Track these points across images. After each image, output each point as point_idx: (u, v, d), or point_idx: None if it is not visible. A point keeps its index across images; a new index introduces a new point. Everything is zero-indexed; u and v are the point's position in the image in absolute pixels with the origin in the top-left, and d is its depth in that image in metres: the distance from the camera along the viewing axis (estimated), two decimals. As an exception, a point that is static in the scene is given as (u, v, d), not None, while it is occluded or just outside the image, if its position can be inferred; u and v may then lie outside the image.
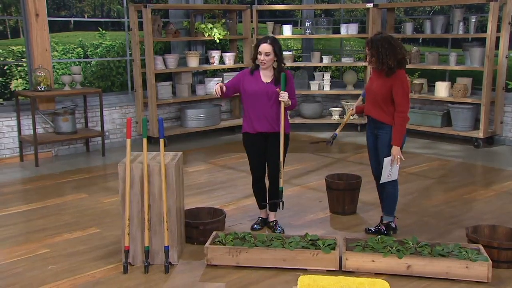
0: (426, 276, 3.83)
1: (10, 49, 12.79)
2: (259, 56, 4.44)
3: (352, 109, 4.84)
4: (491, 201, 5.53)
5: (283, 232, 4.66)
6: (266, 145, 4.60)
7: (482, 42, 7.88)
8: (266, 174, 4.72)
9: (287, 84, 4.44)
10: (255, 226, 4.80)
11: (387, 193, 4.57)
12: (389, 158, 4.38)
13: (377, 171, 4.63)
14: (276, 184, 4.64)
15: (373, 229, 4.69)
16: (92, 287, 3.76)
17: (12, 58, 12.38)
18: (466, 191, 5.87)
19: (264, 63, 4.44)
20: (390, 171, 4.42)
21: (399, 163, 4.39)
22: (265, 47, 4.41)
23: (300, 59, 10.07)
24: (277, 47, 4.46)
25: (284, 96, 4.40)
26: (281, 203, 4.61)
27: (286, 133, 4.59)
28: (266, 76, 4.52)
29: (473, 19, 7.80)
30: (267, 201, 4.77)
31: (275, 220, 4.79)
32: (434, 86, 8.33)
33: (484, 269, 3.75)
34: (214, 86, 4.74)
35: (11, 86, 11.73)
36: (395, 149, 4.36)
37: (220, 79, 8.75)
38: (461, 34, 8.00)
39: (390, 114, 4.38)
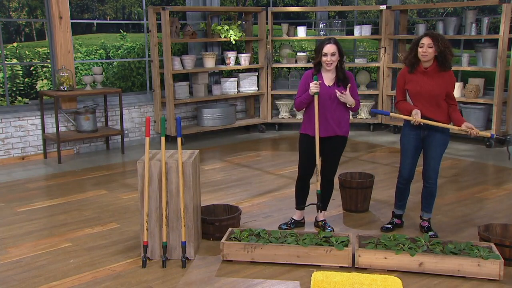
0: (438, 274, 3.85)
1: (36, 50, 12.91)
2: (324, 58, 4.30)
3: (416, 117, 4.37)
4: (503, 200, 5.54)
5: (333, 231, 4.60)
6: (323, 147, 4.50)
7: (494, 43, 7.86)
8: (321, 177, 4.63)
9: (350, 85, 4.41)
10: (282, 226, 4.75)
11: (431, 191, 4.57)
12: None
13: (410, 173, 4.56)
14: (331, 187, 4.70)
15: (389, 226, 4.72)
16: (112, 280, 3.84)
17: (37, 60, 12.51)
18: (478, 190, 5.87)
19: (331, 63, 4.32)
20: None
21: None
22: (330, 48, 4.29)
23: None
24: (340, 47, 4.37)
25: (346, 97, 4.36)
26: (318, 205, 4.62)
27: (345, 136, 4.55)
28: (328, 79, 4.42)
29: (485, 21, 7.80)
30: (312, 203, 4.71)
31: (324, 220, 4.75)
32: (447, 86, 8.36)
33: (496, 267, 3.77)
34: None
35: (36, 86, 11.89)
36: (468, 124, 4.36)
37: (236, 79, 8.86)
38: (473, 35, 8.00)
39: (444, 111, 4.39)
